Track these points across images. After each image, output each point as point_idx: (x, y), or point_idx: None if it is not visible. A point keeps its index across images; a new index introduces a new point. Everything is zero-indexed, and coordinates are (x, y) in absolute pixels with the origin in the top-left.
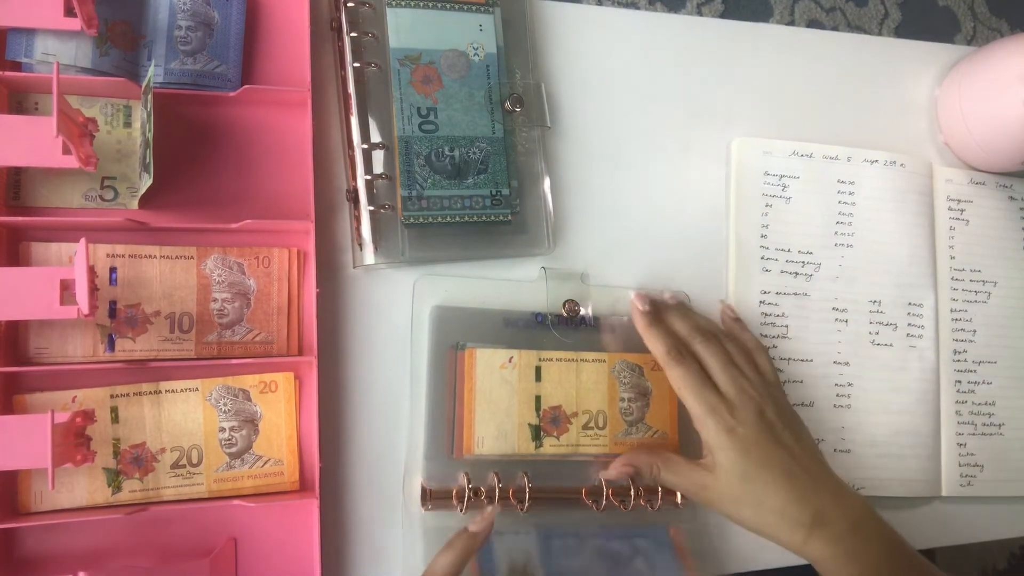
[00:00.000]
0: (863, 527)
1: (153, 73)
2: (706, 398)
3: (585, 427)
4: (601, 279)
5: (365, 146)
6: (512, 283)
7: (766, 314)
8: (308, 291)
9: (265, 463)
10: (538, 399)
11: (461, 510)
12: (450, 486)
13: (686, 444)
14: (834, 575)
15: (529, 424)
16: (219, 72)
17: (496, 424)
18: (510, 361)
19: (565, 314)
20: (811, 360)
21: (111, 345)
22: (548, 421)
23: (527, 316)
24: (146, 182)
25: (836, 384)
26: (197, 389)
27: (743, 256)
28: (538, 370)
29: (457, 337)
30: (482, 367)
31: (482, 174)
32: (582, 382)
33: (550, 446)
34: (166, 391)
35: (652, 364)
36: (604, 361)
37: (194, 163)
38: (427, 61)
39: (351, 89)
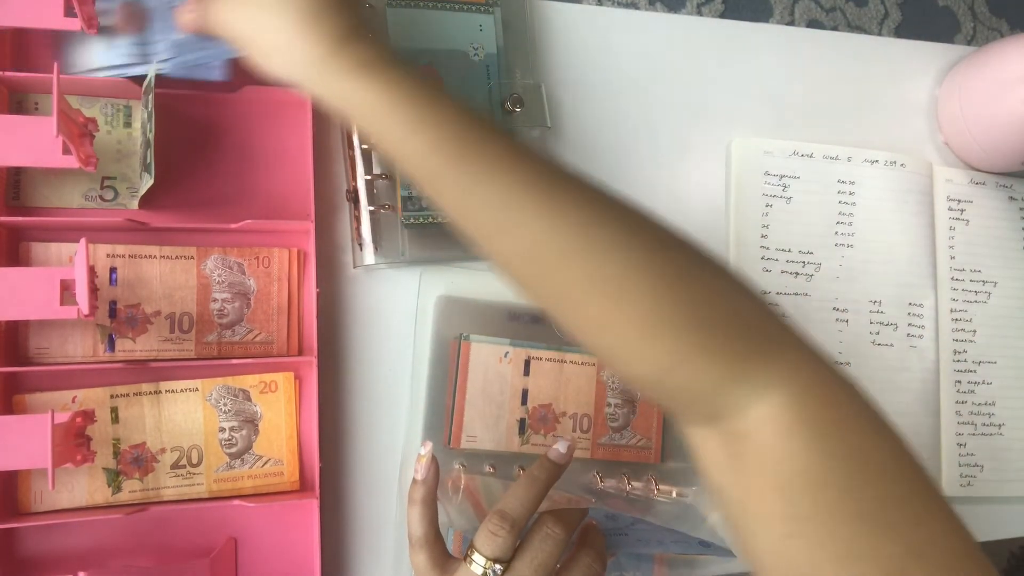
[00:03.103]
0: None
1: (154, 74)
2: None
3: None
4: None
5: (365, 146)
6: None
7: None
8: (308, 291)
9: (265, 463)
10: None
11: (456, 500)
12: (446, 476)
13: (671, 454)
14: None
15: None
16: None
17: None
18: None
19: None
20: None
21: (111, 345)
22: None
23: (532, 311)
24: (147, 182)
25: None
26: (197, 389)
27: (743, 256)
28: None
29: (460, 328)
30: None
31: None
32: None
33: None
34: (166, 391)
35: None
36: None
37: (194, 163)
38: (427, 61)
39: None
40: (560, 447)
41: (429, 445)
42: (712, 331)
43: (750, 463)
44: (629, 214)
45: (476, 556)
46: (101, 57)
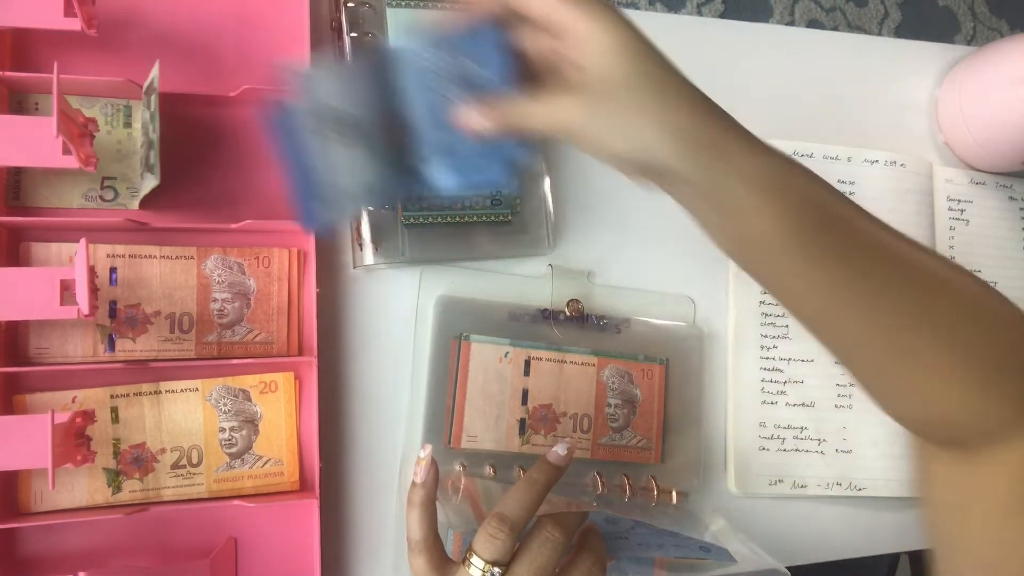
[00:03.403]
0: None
1: (156, 73)
2: None
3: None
4: (604, 279)
5: None
6: (519, 278)
7: (766, 314)
8: (308, 291)
9: (265, 463)
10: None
11: (455, 501)
12: (446, 476)
13: (671, 455)
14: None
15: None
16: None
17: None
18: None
19: (568, 312)
20: (812, 360)
21: (111, 345)
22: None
23: (532, 311)
24: (150, 183)
25: (837, 384)
26: (197, 389)
27: None
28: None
29: (460, 328)
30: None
31: None
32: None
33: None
34: (166, 391)
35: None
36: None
37: (194, 163)
38: None
39: None
40: (559, 449)
41: (428, 448)
42: (1015, 379)
43: (987, 461)
44: (963, 275)
45: (475, 559)
46: (353, 180)
